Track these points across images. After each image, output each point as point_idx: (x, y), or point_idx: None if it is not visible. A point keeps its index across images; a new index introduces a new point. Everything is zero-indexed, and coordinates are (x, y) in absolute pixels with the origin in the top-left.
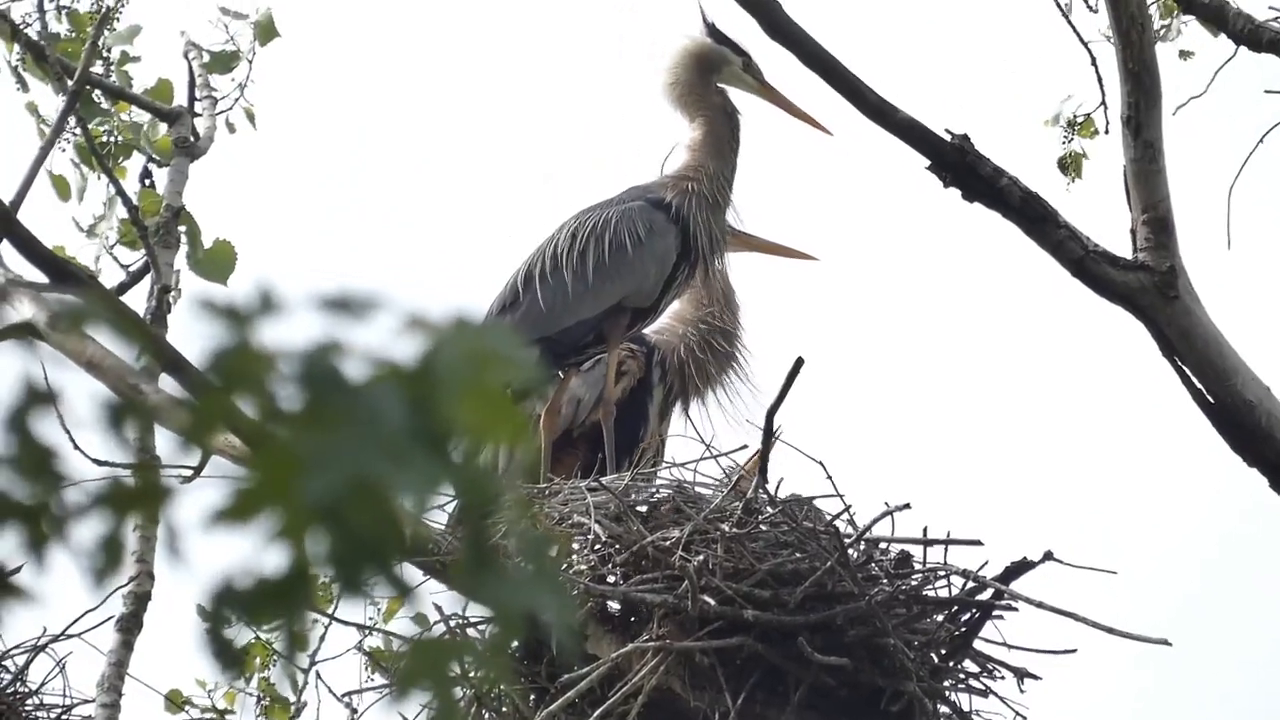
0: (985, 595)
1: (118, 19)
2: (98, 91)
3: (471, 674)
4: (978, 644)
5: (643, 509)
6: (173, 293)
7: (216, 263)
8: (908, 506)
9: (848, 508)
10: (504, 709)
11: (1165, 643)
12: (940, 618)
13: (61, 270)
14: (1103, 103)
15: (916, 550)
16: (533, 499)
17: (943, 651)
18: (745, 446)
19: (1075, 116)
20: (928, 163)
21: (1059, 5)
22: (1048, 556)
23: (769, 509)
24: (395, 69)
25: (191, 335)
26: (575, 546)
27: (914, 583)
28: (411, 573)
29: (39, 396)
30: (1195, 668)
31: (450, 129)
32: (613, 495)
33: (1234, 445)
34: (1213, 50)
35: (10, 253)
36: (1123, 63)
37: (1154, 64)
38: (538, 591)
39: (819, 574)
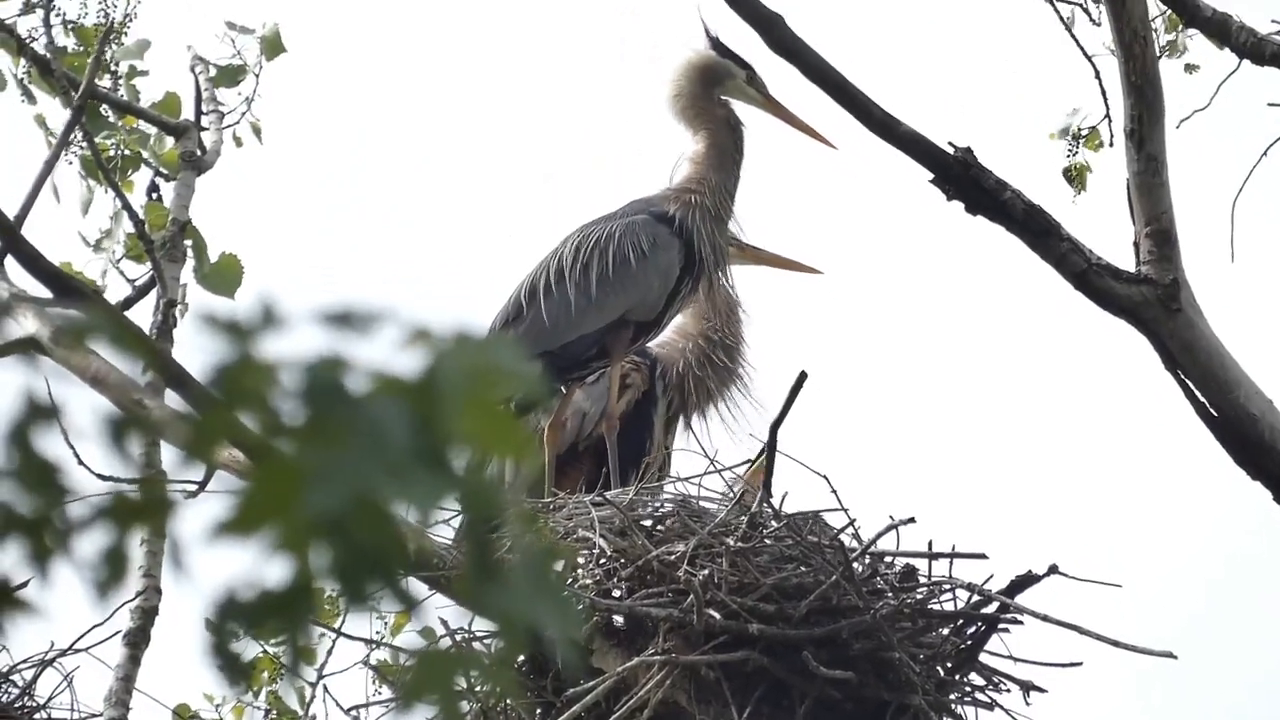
0: (991, 609)
1: (126, 33)
2: (105, 105)
3: (477, 687)
4: (983, 657)
5: (648, 523)
6: (179, 307)
7: (223, 277)
8: (912, 520)
9: (852, 522)
10: None
11: (1171, 656)
12: (946, 631)
13: (65, 285)
14: (1106, 116)
15: (922, 564)
16: (537, 513)
17: (948, 665)
18: (750, 461)
19: (1079, 130)
20: (931, 176)
21: (1062, 19)
22: (1053, 570)
23: (774, 523)
24: (395, 69)
25: (197, 349)
26: (580, 561)
27: (919, 596)
28: (416, 586)
29: (41, 411)
30: (1201, 682)
31: (451, 129)
32: (618, 510)
33: (1237, 458)
34: (1216, 64)
35: (14, 267)
36: (1125, 76)
37: (1157, 77)
38: (542, 605)
39: (824, 588)
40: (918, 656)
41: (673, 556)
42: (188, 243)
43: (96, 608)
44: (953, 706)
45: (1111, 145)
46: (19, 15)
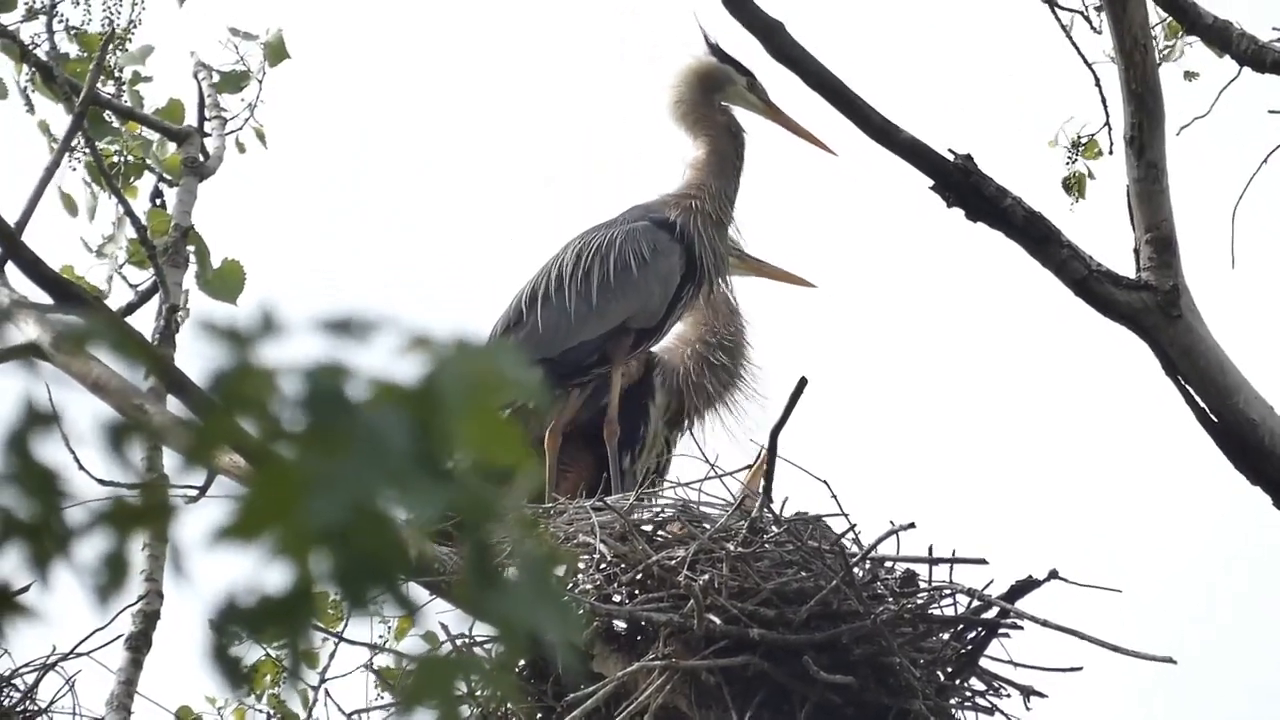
0: (991, 614)
1: (130, 39)
2: (108, 111)
3: (478, 692)
4: (983, 662)
5: (648, 528)
6: (181, 312)
7: (225, 282)
8: (913, 525)
9: (853, 527)
10: None
11: (1170, 660)
12: (946, 636)
13: (66, 291)
14: (1106, 123)
15: (922, 569)
16: (537, 518)
17: (949, 670)
18: (749, 467)
19: (1079, 137)
20: (931, 183)
21: (1062, 26)
22: (1053, 575)
23: (774, 528)
24: (397, 75)
25: (198, 355)
26: (581, 566)
27: (919, 601)
28: (417, 591)
29: (41, 417)
30: (1201, 687)
31: (452, 134)
32: (618, 515)
33: (1236, 463)
34: (1217, 71)
35: (15, 273)
36: (1126, 83)
37: (1157, 85)
38: (543, 610)
39: (824, 592)
40: (918, 661)
41: (673, 561)
42: (190, 248)
43: (98, 612)
44: (953, 711)
45: (1111, 152)
46: (22, 22)
